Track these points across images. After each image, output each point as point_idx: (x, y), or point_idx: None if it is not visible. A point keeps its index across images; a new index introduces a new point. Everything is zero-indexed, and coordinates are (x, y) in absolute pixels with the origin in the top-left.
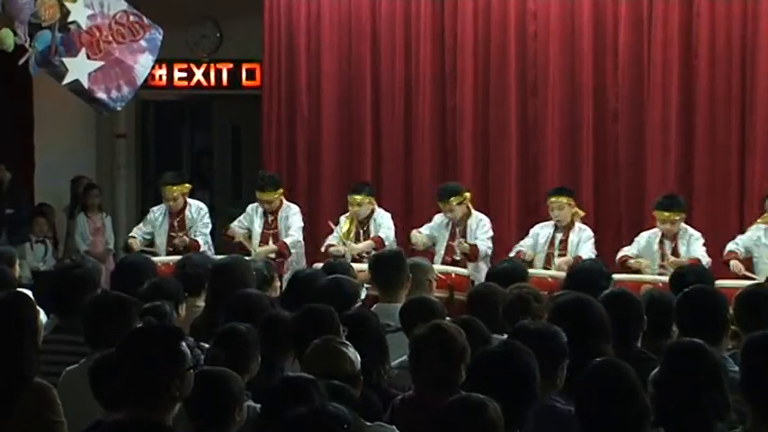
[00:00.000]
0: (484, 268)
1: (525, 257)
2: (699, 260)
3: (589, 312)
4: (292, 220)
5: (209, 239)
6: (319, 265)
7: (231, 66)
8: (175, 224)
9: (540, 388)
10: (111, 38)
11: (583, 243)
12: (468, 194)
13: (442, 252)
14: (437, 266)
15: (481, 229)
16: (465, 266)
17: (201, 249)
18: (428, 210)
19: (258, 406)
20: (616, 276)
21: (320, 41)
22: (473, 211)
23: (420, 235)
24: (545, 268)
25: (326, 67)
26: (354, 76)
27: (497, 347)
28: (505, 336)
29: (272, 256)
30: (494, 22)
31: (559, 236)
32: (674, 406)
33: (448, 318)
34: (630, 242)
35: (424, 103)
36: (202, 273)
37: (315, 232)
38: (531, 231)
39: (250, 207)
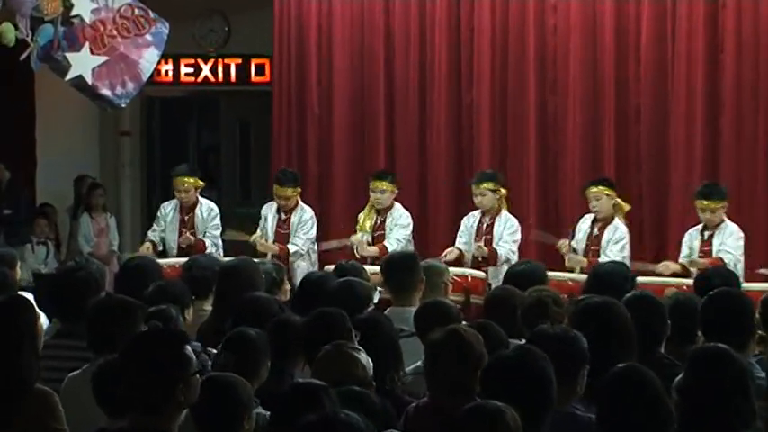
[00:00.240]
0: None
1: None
2: (721, 259)
3: (614, 316)
4: (304, 227)
5: (219, 242)
6: (330, 268)
7: (240, 61)
8: (186, 220)
9: (558, 394)
10: (115, 32)
11: (611, 243)
12: (504, 191)
13: (473, 250)
14: (453, 269)
15: (508, 231)
16: (489, 266)
17: (208, 251)
18: (443, 210)
19: (267, 413)
20: (639, 279)
21: (332, 35)
22: (504, 211)
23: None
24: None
25: (338, 62)
26: (367, 72)
27: (511, 352)
28: (523, 341)
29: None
30: (512, 16)
31: (595, 230)
32: (699, 413)
33: (464, 322)
34: (657, 243)
35: (440, 99)
36: (210, 275)
37: (325, 233)
38: (578, 225)
39: (264, 207)
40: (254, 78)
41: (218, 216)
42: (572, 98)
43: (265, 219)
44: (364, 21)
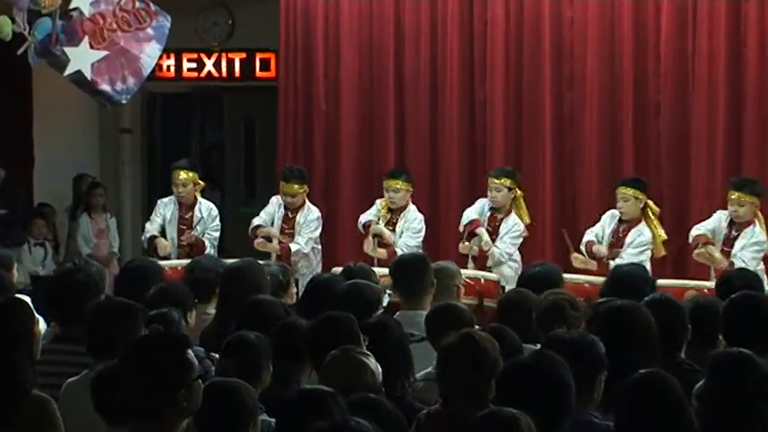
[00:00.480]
0: (509, 272)
1: (595, 248)
2: (732, 264)
3: (637, 320)
4: (309, 226)
5: (215, 243)
6: (338, 270)
7: (244, 55)
8: (186, 218)
9: (575, 401)
10: (115, 26)
11: (630, 247)
12: (520, 192)
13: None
14: (465, 271)
15: (511, 233)
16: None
17: (207, 251)
18: (455, 209)
19: (273, 420)
20: (659, 281)
21: (339, 28)
22: (513, 213)
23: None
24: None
25: (346, 56)
26: (376, 66)
27: (528, 357)
28: (539, 346)
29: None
30: (527, 7)
31: (621, 229)
32: (720, 420)
33: (477, 326)
34: (677, 245)
35: (452, 94)
36: (213, 278)
37: (333, 233)
38: (602, 218)
39: (275, 198)
40: (258, 73)
41: (218, 217)
42: (589, 93)
43: (274, 211)
44: (373, 12)
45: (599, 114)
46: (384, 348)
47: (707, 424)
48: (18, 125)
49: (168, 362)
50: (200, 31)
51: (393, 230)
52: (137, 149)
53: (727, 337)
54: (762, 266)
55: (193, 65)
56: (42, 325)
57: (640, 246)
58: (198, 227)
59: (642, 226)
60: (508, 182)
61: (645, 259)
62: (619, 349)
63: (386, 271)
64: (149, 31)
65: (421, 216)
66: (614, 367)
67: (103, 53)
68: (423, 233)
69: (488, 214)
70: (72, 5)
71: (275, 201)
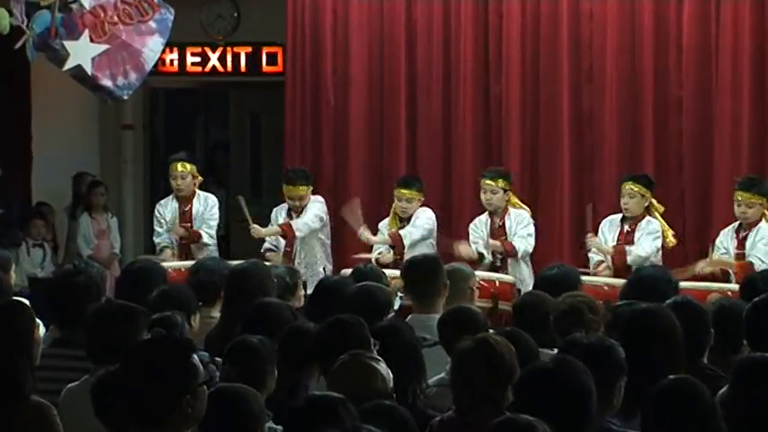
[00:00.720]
0: (526, 270)
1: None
2: (751, 264)
3: (661, 325)
4: (311, 207)
5: (214, 235)
6: (347, 272)
7: (250, 49)
8: (184, 212)
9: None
10: (116, 19)
11: (645, 235)
12: (509, 190)
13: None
14: (480, 273)
15: (520, 225)
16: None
17: (203, 241)
18: (469, 210)
19: (280, 428)
20: (681, 284)
21: (348, 21)
22: (510, 208)
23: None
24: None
25: (356, 50)
26: (387, 60)
27: (549, 363)
28: (555, 350)
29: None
30: None
31: (626, 227)
32: (745, 428)
33: (491, 330)
34: (699, 247)
35: (465, 90)
36: (217, 280)
37: (341, 234)
38: (600, 231)
39: (274, 212)
40: (265, 68)
41: (216, 207)
42: (608, 88)
43: (275, 221)
44: (384, 4)
45: (618, 110)
46: (395, 353)
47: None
48: (16, 121)
49: (172, 367)
50: (205, 25)
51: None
52: (139, 147)
53: (751, 342)
54: None
55: (197, 59)
56: (41, 329)
57: (654, 232)
58: (196, 221)
59: (649, 217)
60: (503, 183)
61: (659, 246)
62: (642, 354)
63: (397, 273)
64: (152, 24)
65: (429, 213)
66: (637, 373)
67: (104, 47)
68: (430, 229)
69: (488, 223)
70: None
71: (276, 215)
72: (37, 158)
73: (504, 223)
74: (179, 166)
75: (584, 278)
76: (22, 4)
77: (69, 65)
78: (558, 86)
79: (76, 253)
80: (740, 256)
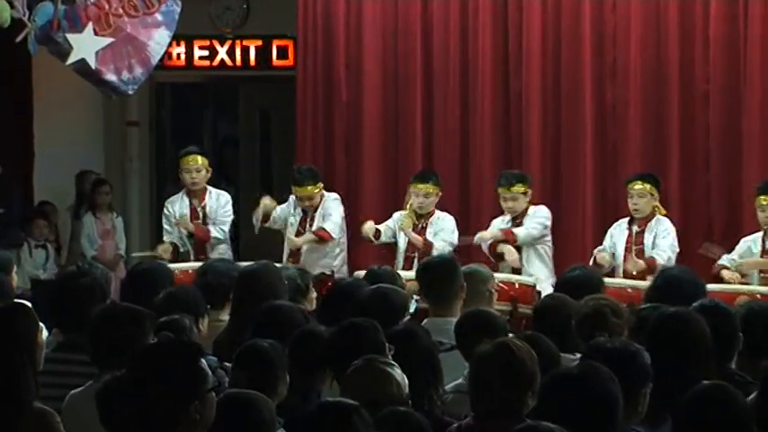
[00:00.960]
0: (544, 270)
1: (599, 256)
2: None
3: (690, 329)
4: (330, 207)
5: (227, 232)
6: (361, 274)
7: (260, 42)
8: (198, 210)
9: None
10: (121, 11)
11: (660, 238)
12: (530, 191)
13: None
14: (499, 275)
15: (535, 218)
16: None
17: (214, 236)
18: (488, 209)
19: None
20: (708, 286)
21: (362, 13)
22: (530, 206)
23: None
24: (624, 272)
25: (369, 43)
26: (402, 54)
27: (573, 368)
28: (577, 355)
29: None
30: None
31: (635, 228)
32: None
33: (511, 334)
34: (728, 247)
35: (484, 85)
36: (226, 282)
37: (355, 234)
38: (608, 235)
39: (292, 197)
40: (275, 62)
41: (230, 203)
42: (633, 83)
43: (289, 212)
44: None
45: (643, 105)
46: (411, 358)
47: None
48: (17, 118)
49: (179, 372)
50: (213, 17)
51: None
52: (144, 144)
53: None
54: None
55: (205, 53)
56: (44, 333)
57: (665, 231)
58: (210, 220)
59: (658, 216)
60: (522, 187)
61: (676, 250)
62: (669, 360)
63: (412, 275)
64: (158, 16)
65: (451, 218)
66: (664, 379)
67: (109, 40)
68: (455, 232)
69: (509, 227)
70: None
71: (292, 200)
72: (39, 156)
73: (521, 223)
74: (191, 160)
75: (607, 280)
76: None
77: (72, 59)
78: (581, 81)
79: (80, 254)
80: None
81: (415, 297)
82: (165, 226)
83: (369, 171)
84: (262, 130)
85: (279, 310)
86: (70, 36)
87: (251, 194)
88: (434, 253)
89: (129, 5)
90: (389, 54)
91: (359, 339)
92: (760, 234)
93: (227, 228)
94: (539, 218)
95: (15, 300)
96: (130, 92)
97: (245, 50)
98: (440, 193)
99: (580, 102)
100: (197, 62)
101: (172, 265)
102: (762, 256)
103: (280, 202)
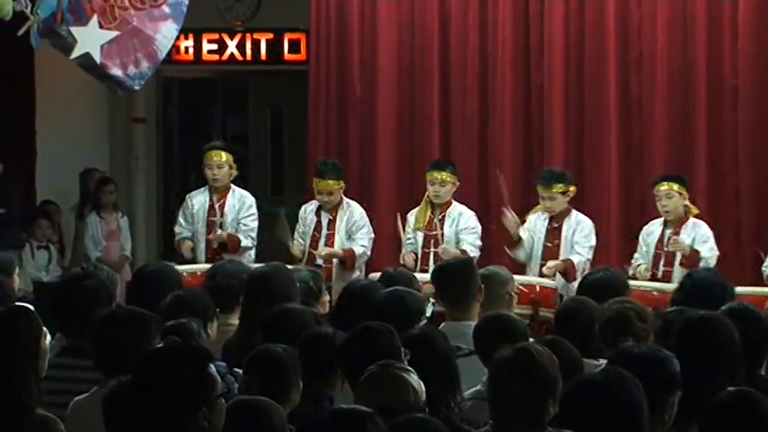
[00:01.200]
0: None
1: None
2: None
3: (719, 334)
4: (360, 224)
5: (255, 237)
6: (376, 276)
7: (271, 36)
8: (216, 207)
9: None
10: (127, 3)
11: (700, 243)
12: (573, 188)
13: (539, 259)
14: (519, 277)
15: (581, 234)
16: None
17: (243, 245)
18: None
19: None
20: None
21: (377, 5)
22: (573, 211)
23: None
24: (652, 276)
25: (385, 37)
26: (418, 47)
27: (597, 375)
28: (601, 361)
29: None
30: None
31: (668, 232)
32: None
33: (531, 339)
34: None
35: (504, 78)
36: (236, 285)
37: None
38: (640, 241)
39: (302, 209)
40: (287, 56)
41: (254, 207)
42: (659, 77)
43: (303, 222)
44: None
45: (669, 101)
46: (428, 363)
47: None
48: (18, 115)
49: (187, 378)
50: (222, 9)
51: (441, 233)
52: (151, 141)
53: None
54: None
55: (214, 46)
56: (47, 337)
57: (705, 236)
58: (228, 219)
59: (694, 220)
60: (561, 186)
61: (716, 254)
62: (697, 365)
63: (428, 277)
64: (165, 8)
65: (471, 211)
66: (691, 385)
67: (114, 33)
68: (479, 229)
69: (545, 227)
70: None
71: (304, 213)
72: (41, 154)
73: (560, 226)
74: (215, 155)
75: (632, 282)
76: None
77: (76, 53)
78: (605, 75)
79: (84, 255)
80: None
81: (431, 300)
82: (179, 218)
83: (384, 169)
84: (272, 127)
85: (290, 313)
86: (74, 29)
87: (261, 194)
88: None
89: None
90: (405, 48)
91: (373, 344)
92: None
93: (254, 234)
94: (588, 236)
95: (17, 303)
96: (136, 87)
97: (256, 44)
98: (457, 183)
99: (604, 96)
100: (206, 56)
101: (180, 267)
102: None
103: (290, 201)
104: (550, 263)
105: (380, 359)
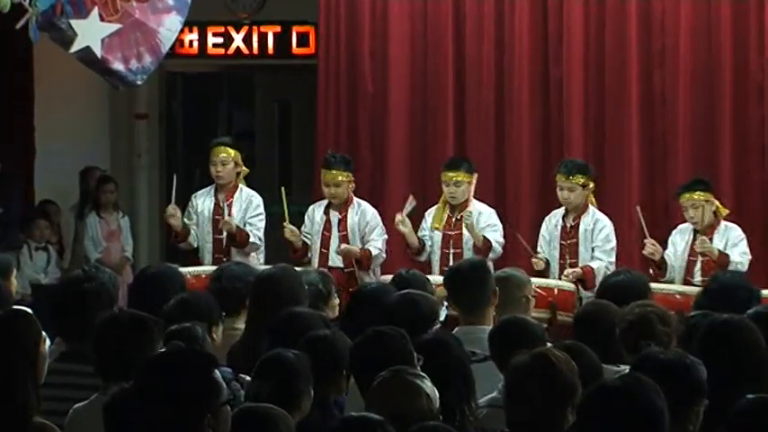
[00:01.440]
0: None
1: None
2: None
3: (745, 338)
4: (373, 225)
5: (262, 237)
6: (388, 278)
7: (278, 29)
8: (222, 207)
9: None
10: None
11: (731, 246)
12: (593, 184)
13: (557, 259)
14: (536, 280)
15: (600, 236)
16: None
17: (251, 242)
18: (525, 209)
19: None
20: (764, 291)
21: None
22: (591, 208)
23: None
24: (685, 281)
25: (396, 30)
26: (431, 41)
27: (617, 380)
28: (622, 367)
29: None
30: None
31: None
32: None
33: (549, 344)
34: None
35: (521, 73)
36: (243, 287)
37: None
38: (670, 239)
39: (311, 209)
40: (295, 50)
41: (262, 206)
42: (682, 72)
43: (311, 220)
44: None
45: (693, 97)
46: (441, 369)
47: None
48: (16, 111)
49: (191, 384)
50: (228, 1)
51: (459, 229)
52: (154, 138)
53: None
54: None
55: (220, 40)
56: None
57: (738, 239)
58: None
59: (725, 223)
60: (582, 178)
61: (749, 258)
62: (721, 370)
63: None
64: (169, 1)
65: (492, 210)
66: (715, 391)
67: (116, 26)
68: (501, 228)
69: (560, 224)
70: None
71: (312, 212)
72: (40, 152)
73: (577, 224)
74: (220, 151)
75: (654, 285)
76: None
77: (76, 47)
78: (626, 70)
79: (84, 256)
80: None
81: (445, 303)
82: (185, 220)
83: (395, 167)
84: (280, 123)
85: (298, 317)
86: (74, 22)
87: (268, 192)
88: (492, 254)
89: None
90: (418, 40)
91: (385, 349)
92: None
93: (261, 233)
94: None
95: (15, 306)
96: (139, 82)
97: (263, 37)
98: (473, 182)
99: (625, 92)
100: (211, 50)
101: (184, 269)
102: None
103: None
104: (568, 271)
105: (392, 365)
